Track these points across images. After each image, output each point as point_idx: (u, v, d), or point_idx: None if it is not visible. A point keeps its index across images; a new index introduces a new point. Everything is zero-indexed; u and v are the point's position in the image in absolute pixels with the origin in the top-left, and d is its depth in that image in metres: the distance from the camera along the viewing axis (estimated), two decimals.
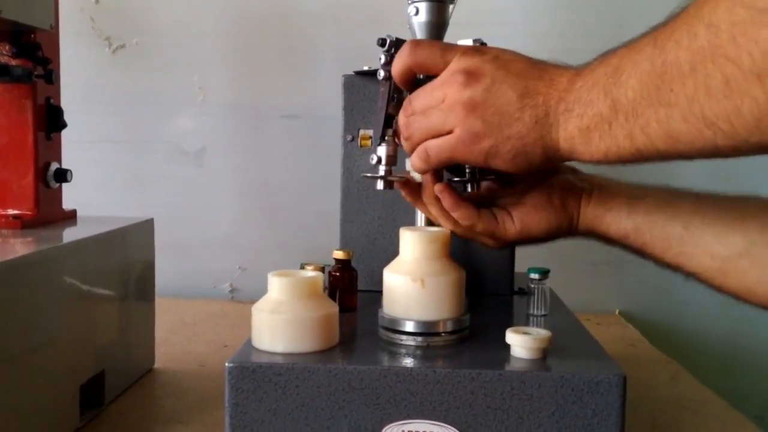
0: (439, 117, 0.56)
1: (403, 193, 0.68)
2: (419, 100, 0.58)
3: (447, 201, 0.63)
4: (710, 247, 0.58)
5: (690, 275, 0.61)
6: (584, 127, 0.49)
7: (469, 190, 0.64)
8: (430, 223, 0.72)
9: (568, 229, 0.64)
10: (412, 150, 0.60)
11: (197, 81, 1.37)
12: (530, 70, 0.53)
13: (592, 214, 0.63)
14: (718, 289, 0.59)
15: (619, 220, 0.62)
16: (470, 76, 0.54)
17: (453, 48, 0.57)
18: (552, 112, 0.51)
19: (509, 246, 0.74)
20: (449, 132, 0.56)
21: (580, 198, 0.64)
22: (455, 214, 0.63)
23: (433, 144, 0.57)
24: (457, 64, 0.56)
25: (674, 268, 0.61)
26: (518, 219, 0.64)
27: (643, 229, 0.61)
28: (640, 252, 0.63)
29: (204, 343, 1.09)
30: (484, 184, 0.66)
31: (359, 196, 0.84)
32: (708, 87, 0.39)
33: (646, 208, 0.61)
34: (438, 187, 0.62)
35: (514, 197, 0.65)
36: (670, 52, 0.42)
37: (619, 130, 0.47)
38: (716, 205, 0.60)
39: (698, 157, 0.44)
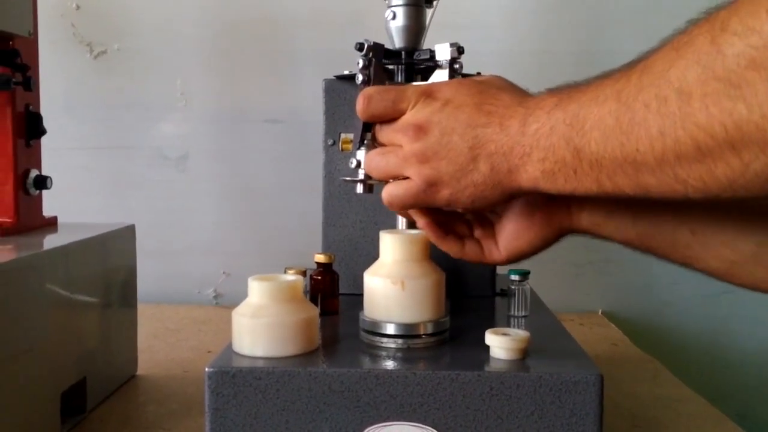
0: (396, 163, 0.56)
1: None
2: (382, 138, 0.59)
3: (431, 237, 0.63)
4: (718, 251, 0.56)
5: (697, 272, 0.59)
6: (548, 171, 0.49)
7: None
8: (411, 225, 0.72)
9: (558, 238, 0.62)
10: None
11: (179, 86, 1.37)
12: (478, 117, 0.53)
13: (588, 221, 0.60)
14: (727, 282, 0.58)
15: (623, 229, 0.59)
16: (420, 130, 0.55)
17: (404, 96, 0.57)
18: (507, 158, 0.51)
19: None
20: (407, 177, 0.56)
21: (569, 207, 0.60)
22: (440, 247, 0.63)
23: (395, 193, 0.57)
24: (408, 115, 0.56)
25: (681, 266, 0.59)
26: (503, 246, 0.62)
27: (648, 235, 0.58)
28: (644, 253, 0.61)
29: (188, 348, 1.08)
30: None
31: (341, 200, 0.84)
32: (678, 152, 0.39)
33: (653, 212, 0.58)
34: (421, 223, 0.62)
35: (497, 222, 0.63)
36: (638, 113, 0.41)
37: (585, 176, 0.46)
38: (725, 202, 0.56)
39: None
